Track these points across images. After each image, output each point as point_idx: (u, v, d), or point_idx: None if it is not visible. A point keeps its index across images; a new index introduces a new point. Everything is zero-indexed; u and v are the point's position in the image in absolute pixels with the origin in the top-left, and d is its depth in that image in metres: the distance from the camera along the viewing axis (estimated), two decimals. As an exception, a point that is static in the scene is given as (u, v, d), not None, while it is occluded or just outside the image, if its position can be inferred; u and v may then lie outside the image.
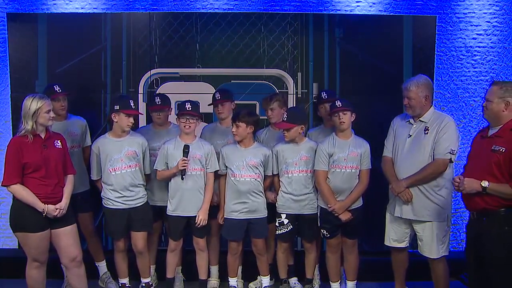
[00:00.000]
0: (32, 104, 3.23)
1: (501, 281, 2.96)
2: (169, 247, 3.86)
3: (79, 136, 4.01)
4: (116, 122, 3.69)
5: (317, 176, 3.73)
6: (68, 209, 3.38)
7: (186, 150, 3.66)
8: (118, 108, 3.66)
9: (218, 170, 3.83)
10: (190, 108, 3.69)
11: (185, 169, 3.66)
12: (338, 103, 3.67)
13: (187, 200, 3.73)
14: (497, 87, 3.04)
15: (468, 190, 2.97)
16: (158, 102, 3.94)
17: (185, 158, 3.65)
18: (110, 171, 3.69)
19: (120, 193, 3.69)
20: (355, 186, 3.72)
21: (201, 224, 3.73)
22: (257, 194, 3.76)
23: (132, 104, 3.70)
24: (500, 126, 3.03)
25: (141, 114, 4.23)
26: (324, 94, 4.07)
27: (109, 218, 3.77)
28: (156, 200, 3.92)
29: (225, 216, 3.81)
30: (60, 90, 3.89)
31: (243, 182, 3.73)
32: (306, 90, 4.43)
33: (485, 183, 2.92)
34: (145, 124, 4.30)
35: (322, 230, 3.81)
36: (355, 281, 3.89)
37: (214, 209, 3.87)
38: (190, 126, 3.71)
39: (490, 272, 2.99)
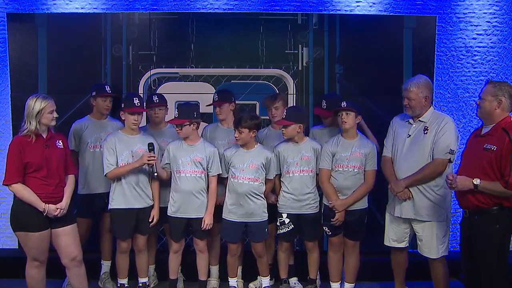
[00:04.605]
0: (35, 104, 3.24)
1: (491, 279, 2.99)
2: (172, 248, 3.84)
3: None
4: (124, 120, 3.75)
5: (321, 174, 3.77)
6: (69, 209, 3.39)
7: (150, 147, 3.66)
8: (123, 106, 3.72)
9: (220, 174, 3.81)
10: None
11: (153, 165, 3.64)
12: (343, 104, 3.68)
13: (186, 202, 3.72)
14: (491, 85, 3.09)
15: (460, 187, 3.00)
16: (156, 101, 3.96)
17: (152, 154, 3.64)
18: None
19: (129, 191, 3.69)
20: (359, 186, 3.72)
21: (206, 228, 3.73)
22: (255, 197, 3.73)
23: (135, 102, 3.72)
24: (493, 124, 3.06)
25: (145, 111, 4.23)
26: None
27: (116, 218, 3.75)
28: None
29: (223, 217, 3.80)
30: (110, 91, 4.01)
31: (241, 184, 3.71)
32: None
33: (476, 181, 2.95)
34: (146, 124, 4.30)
35: (324, 227, 3.83)
36: (354, 284, 3.88)
37: (216, 210, 3.85)
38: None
39: (481, 270, 3.02)
